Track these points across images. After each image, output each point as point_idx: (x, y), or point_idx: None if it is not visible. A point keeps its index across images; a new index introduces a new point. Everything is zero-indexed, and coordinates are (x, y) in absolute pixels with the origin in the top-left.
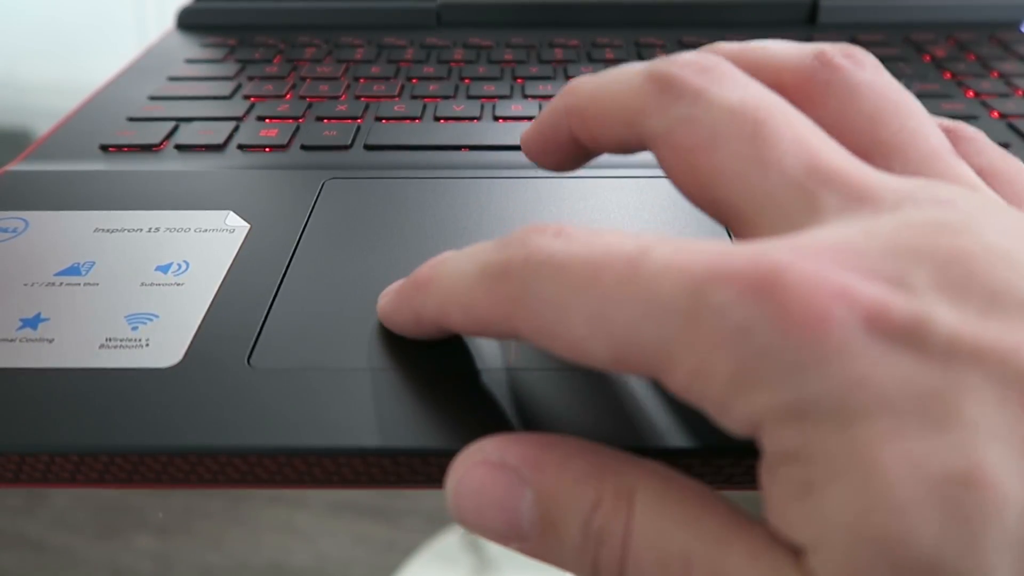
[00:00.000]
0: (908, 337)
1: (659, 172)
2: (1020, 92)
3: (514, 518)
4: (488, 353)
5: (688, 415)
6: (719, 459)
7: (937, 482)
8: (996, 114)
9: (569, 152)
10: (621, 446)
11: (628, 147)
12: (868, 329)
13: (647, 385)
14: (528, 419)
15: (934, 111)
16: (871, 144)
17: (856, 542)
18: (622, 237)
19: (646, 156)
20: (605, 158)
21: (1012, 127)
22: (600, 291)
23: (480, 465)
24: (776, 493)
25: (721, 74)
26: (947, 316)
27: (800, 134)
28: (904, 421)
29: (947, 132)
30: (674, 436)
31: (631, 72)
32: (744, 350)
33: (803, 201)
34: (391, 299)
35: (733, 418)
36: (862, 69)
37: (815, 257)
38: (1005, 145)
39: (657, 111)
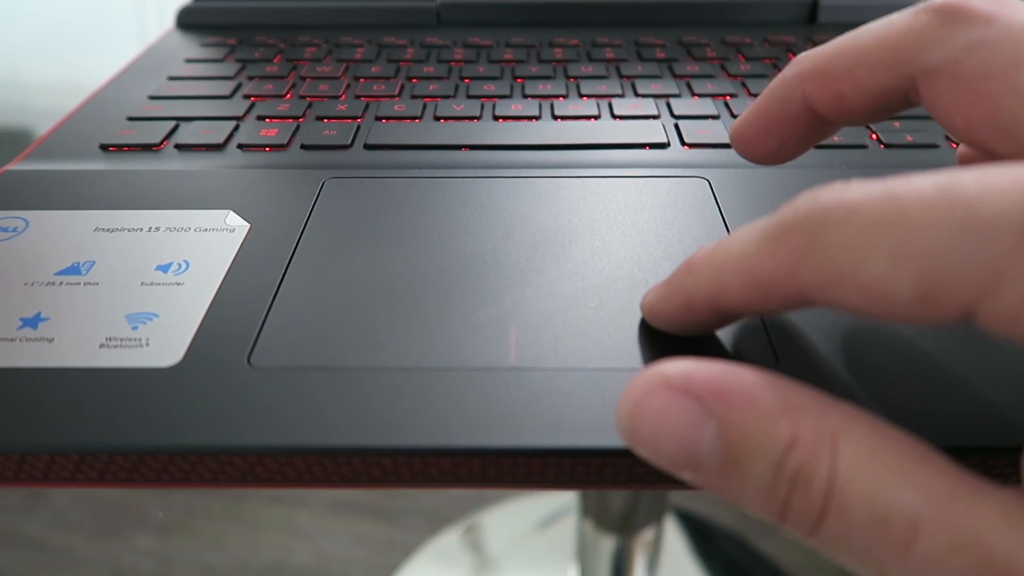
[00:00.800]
0: None
1: (659, 172)
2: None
3: (693, 448)
4: (489, 352)
5: None
6: None
7: None
8: None
9: (798, 130)
10: (621, 446)
11: (885, 98)
12: None
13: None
14: (528, 420)
15: None
16: None
17: None
18: (918, 176)
19: (649, 156)
20: (606, 157)
21: None
22: (905, 221)
23: (661, 389)
24: None
25: (1019, 4)
26: None
27: None
28: None
29: None
30: None
31: (895, 15)
32: None
33: None
34: (658, 289)
35: None
36: None
37: None
38: None
39: (943, 40)
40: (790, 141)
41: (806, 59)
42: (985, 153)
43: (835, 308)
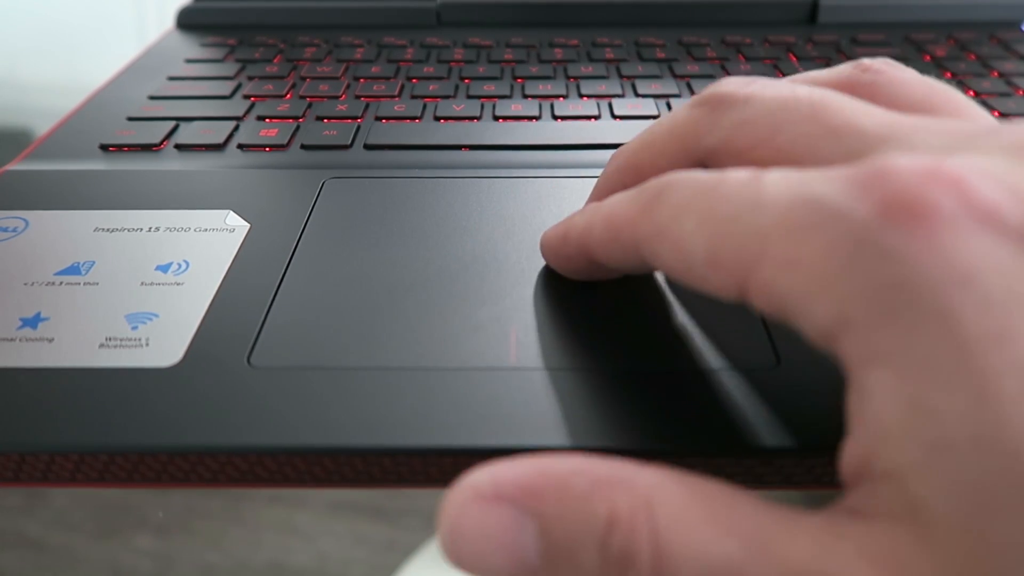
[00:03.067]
0: (1017, 234)
1: None
2: (1020, 92)
3: (520, 554)
4: (489, 352)
5: (692, 415)
6: (720, 459)
7: None
8: (997, 113)
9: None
10: (622, 446)
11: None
12: (980, 223)
13: (648, 385)
14: (528, 420)
15: None
16: None
17: (974, 454)
18: (751, 168)
19: None
20: (607, 157)
21: None
22: (718, 194)
23: (473, 503)
24: (871, 410)
25: (766, 82)
26: None
27: (859, 106)
28: (1016, 322)
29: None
30: (675, 436)
31: (676, 110)
32: (841, 234)
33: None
34: (553, 226)
35: (818, 316)
36: (903, 70)
37: (926, 156)
38: None
39: (714, 125)
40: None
41: (620, 155)
42: None
43: (655, 264)
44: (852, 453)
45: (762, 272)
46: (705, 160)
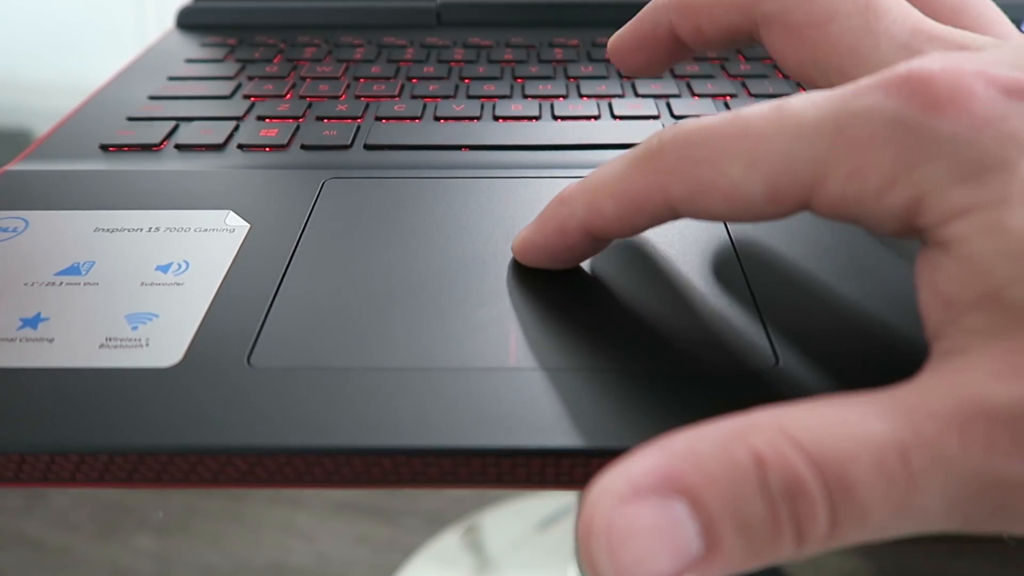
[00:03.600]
0: None
1: None
2: None
3: (681, 541)
4: (489, 353)
5: (692, 415)
6: None
7: None
8: None
9: (663, 50)
10: (621, 446)
11: (734, 34)
12: (1008, 96)
13: (648, 385)
14: (528, 420)
15: None
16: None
17: None
18: (756, 104)
19: None
20: (607, 157)
21: None
22: (753, 134)
23: (617, 508)
24: (962, 252)
25: None
26: None
27: (905, 8)
28: None
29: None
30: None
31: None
32: (901, 136)
33: (911, 58)
34: (529, 226)
35: (892, 203)
36: None
37: (945, 57)
38: None
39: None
40: (655, 58)
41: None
42: (813, 88)
43: (697, 216)
44: (932, 306)
45: (828, 189)
46: (759, 24)
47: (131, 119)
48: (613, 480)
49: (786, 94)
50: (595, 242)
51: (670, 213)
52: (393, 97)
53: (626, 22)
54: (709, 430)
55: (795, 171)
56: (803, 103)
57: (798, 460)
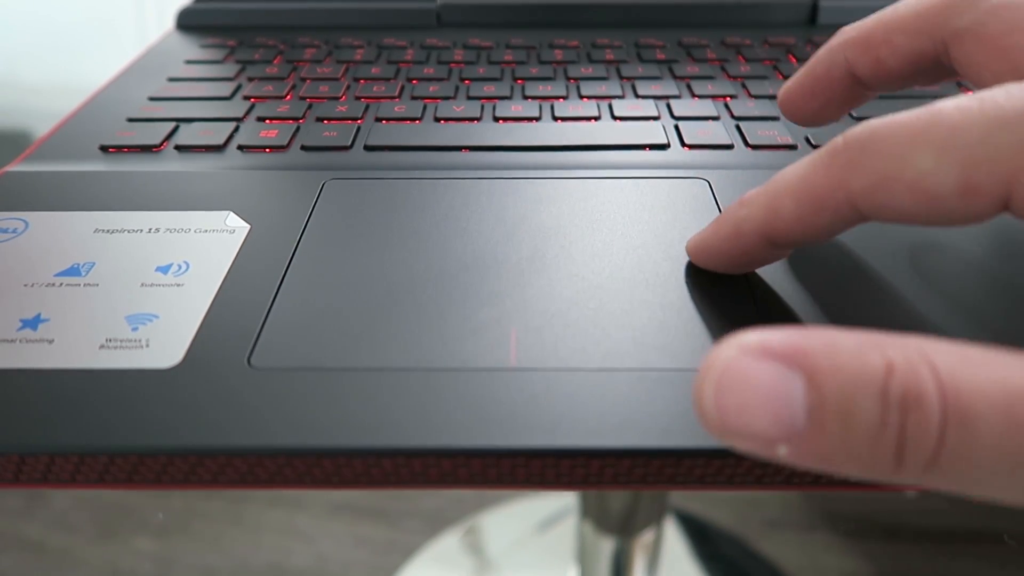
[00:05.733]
0: None
1: (659, 173)
2: None
3: (786, 411)
4: (489, 353)
5: (688, 415)
6: (720, 459)
7: None
8: None
9: (840, 93)
10: (621, 446)
11: (919, 62)
12: None
13: (647, 385)
14: (528, 420)
15: None
16: None
17: None
18: (948, 98)
19: (649, 157)
20: (606, 158)
21: None
22: (947, 123)
23: (741, 357)
24: None
25: None
26: None
27: None
28: None
29: None
30: (676, 436)
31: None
32: None
33: None
34: (707, 227)
35: None
36: None
37: None
38: None
39: (969, 6)
40: (831, 104)
41: (850, 29)
42: None
43: (882, 215)
44: None
45: None
46: (948, 43)
47: (131, 120)
48: (746, 336)
49: None
50: (773, 247)
51: (853, 213)
52: (393, 98)
53: (626, 23)
54: (853, 334)
55: (994, 160)
56: (1004, 93)
57: (927, 376)
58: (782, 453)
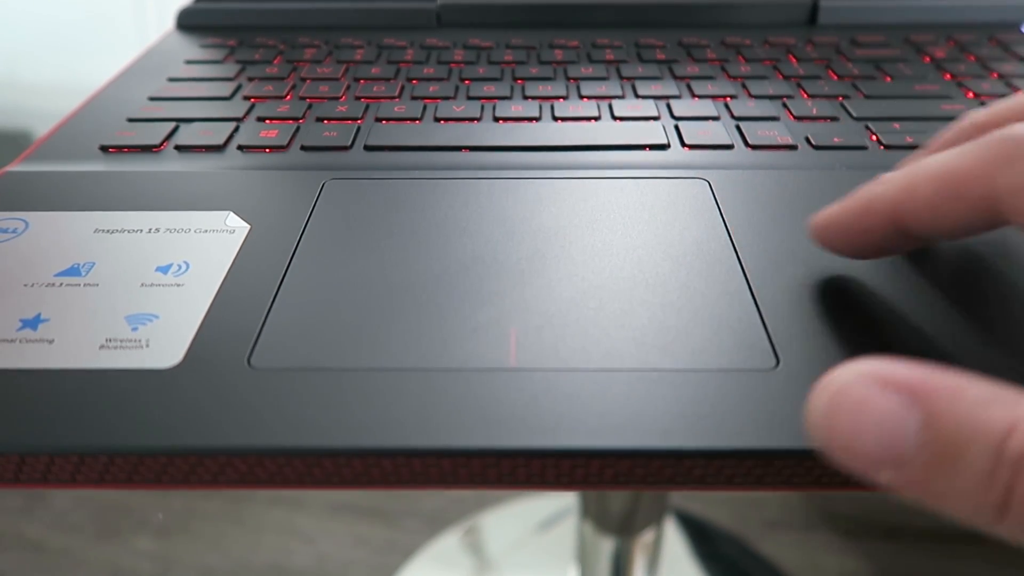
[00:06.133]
0: None
1: (659, 173)
2: (1020, 93)
3: (897, 440)
4: (489, 353)
5: (689, 415)
6: (719, 459)
7: None
8: None
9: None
10: (621, 446)
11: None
12: None
13: (648, 385)
14: (528, 421)
15: (934, 112)
16: None
17: None
18: None
19: (649, 157)
20: (606, 158)
21: None
22: None
23: (860, 380)
24: None
25: None
26: None
27: None
28: None
29: None
30: (676, 436)
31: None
32: None
33: None
34: (838, 202)
35: None
36: None
37: None
38: None
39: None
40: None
41: (969, 115)
42: None
43: (1017, 220)
44: None
45: None
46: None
47: (131, 120)
48: (872, 363)
49: (787, 95)
50: (898, 234)
51: (989, 211)
52: (393, 98)
53: (626, 23)
54: (983, 384)
55: None
56: None
57: None
58: (886, 477)
